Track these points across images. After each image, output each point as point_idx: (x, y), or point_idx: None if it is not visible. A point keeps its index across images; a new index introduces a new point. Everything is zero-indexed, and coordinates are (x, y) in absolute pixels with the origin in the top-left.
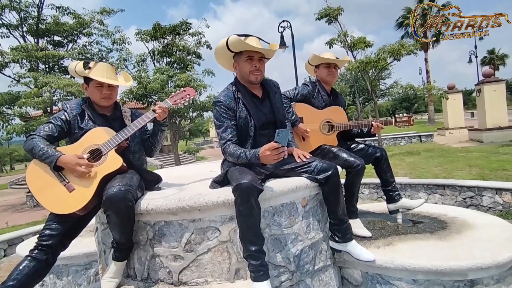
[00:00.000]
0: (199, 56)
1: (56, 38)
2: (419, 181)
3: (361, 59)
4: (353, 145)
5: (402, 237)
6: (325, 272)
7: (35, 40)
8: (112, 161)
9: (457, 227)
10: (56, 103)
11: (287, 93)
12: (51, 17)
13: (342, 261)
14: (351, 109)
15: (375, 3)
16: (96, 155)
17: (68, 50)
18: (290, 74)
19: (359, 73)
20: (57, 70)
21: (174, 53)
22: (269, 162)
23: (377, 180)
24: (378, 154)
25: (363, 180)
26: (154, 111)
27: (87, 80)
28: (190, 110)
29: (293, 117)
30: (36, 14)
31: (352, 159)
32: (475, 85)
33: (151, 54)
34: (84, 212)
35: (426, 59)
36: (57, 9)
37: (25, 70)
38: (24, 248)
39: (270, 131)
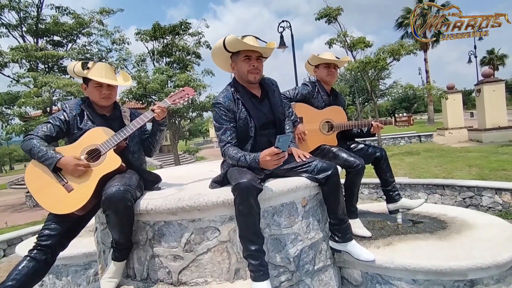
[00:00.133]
0: (198, 56)
1: (56, 38)
2: (418, 181)
3: (361, 59)
4: (353, 145)
5: (402, 237)
6: (325, 272)
7: (35, 40)
8: (111, 161)
9: (457, 227)
10: (56, 103)
11: (287, 93)
12: (51, 17)
13: (342, 261)
14: (351, 109)
15: (375, 3)
16: (94, 155)
17: (67, 50)
18: (289, 74)
19: (359, 73)
20: (57, 70)
21: (174, 53)
22: (269, 167)
23: (377, 180)
24: (378, 154)
25: (363, 180)
26: (153, 110)
27: (86, 80)
28: (190, 110)
29: (292, 117)
30: (35, 14)
31: (352, 159)
32: (475, 85)
33: (151, 54)
34: (83, 212)
35: (425, 59)
36: (56, 9)
37: (25, 70)
38: (24, 248)
39: (270, 131)
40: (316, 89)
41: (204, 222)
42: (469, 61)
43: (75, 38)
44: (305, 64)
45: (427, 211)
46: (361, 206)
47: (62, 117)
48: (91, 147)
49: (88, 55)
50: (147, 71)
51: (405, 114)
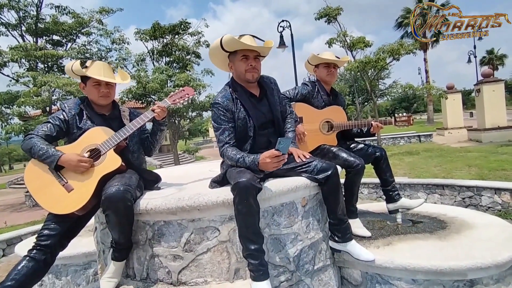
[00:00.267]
0: (198, 56)
1: (55, 37)
2: (418, 181)
3: (361, 59)
4: (352, 145)
5: (402, 237)
6: (324, 272)
7: (34, 39)
8: (111, 161)
9: (456, 227)
10: (55, 103)
11: (287, 93)
12: (50, 17)
13: (342, 261)
14: (351, 109)
15: (375, 3)
16: (94, 154)
17: (67, 49)
18: (289, 74)
19: (359, 73)
20: (56, 70)
21: (174, 52)
22: (268, 169)
23: (377, 180)
24: (377, 153)
25: (363, 180)
26: (153, 110)
27: (85, 79)
28: (190, 109)
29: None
30: (35, 13)
31: (352, 158)
32: (474, 85)
33: (151, 54)
34: (83, 212)
35: (425, 59)
36: (56, 8)
37: (24, 69)
38: (23, 248)
39: (269, 131)
40: (316, 89)
41: (204, 222)
42: (469, 61)
43: (74, 37)
44: (305, 63)
45: (427, 211)
46: (360, 206)
47: (61, 116)
48: (91, 146)
49: (87, 55)
50: (147, 71)
51: (404, 114)
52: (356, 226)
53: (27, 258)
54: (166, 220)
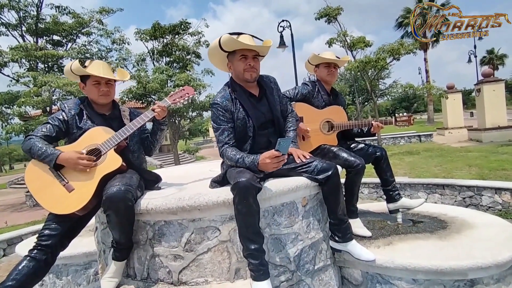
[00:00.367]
0: (198, 56)
1: (55, 37)
2: (418, 181)
3: (361, 59)
4: (353, 145)
5: (402, 236)
6: (325, 272)
7: (34, 39)
8: (112, 161)
9: (457, 226)
10: (55, 103)
11: (287, 92)
12: (50, 17)
13: (342, 261)
14: (351, 108)
15: (375, 3)
16: (95, 154)
17: (67, 49)
18: (289, 74)
19: (359, 73)
20: (56, 70)
21: (174, 52)
22: (268, 169)
23: (377, 180)
24: (378, 153)
25: (363, 180)
26: (153, 110)
27: (84, 79)
28: (190, 109)
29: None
30: (35, 13)
31: (352, 158)
32: (475, 85)
33: (151, 54)
34: (84, 212)
35: (425, 59)
36: (56, 8)
37: (24, 69)
38: (24, 248)
39: (269, 131)
40: (316, 89)
41: (205, 221)
42: (469, 60)
43: (74, 37)
44: (306, 63)
45: (427, 210)
46: (361, 205)
47: (61, 117)
48: (91, 146)
49: (88, 55)
50: (147, 71)
51: (405, 113)
52: (357, 226)
53: (28, 258)
54: (167, 220)
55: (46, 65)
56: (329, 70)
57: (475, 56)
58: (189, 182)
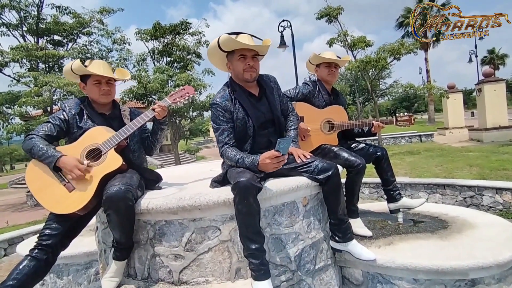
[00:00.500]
0: (199, 56)
1: (56, 37)
2: (419, 181)
3: (361, 59)
4: (353, 145)
5: (403, 236)
6: (326, 272)
7: (35, 39)
8: (112, 161)
9: (458, 226)
10: (56, 103)
11: (288, 92)
12: (51, 17)
13: (343, 261)
14: (351, 108)
15: (375, 3)
16: (95, 154)
17: (68, 49)
18: (290, 74)
19: (359, 73)
20: (57, 70)
21: (174, 52)
22: (268, 170)
23: (378, 180)
24: (379, 153)
25: (364, 180)
26: (153, 110)
27: (84, 78)
28: (190, 109)
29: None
30: (36, 13)
31: (353, 158)
32: (475, 84)
33: (151, 54)
34: (84, 212)
35: (426, 59)
36: (57, 8)
37: (25, 69)
38: (24, 248)
39: (269, 130)
40: (317, 89)
41: (205, 221)
42: (470, 60)
43: (75, 37)
44: (306, 63)
45: (428, 210)
46: (362, 205)
47: (61, 116)
48: (91, 146)
49: (88, 55)
50: (148, 71)
51: (405, 113)
52: (357, 225)
53: (29, 257)
54: (167, 220)
55: (47, 65)
56: (330, 70)
57: (476, 56)
58: (189, 182)
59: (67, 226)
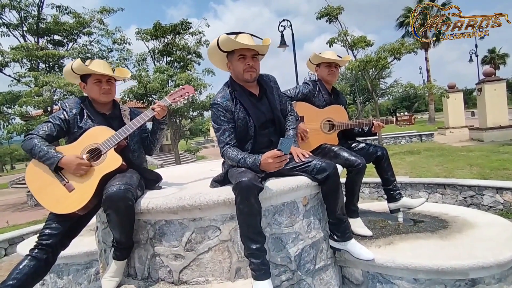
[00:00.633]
0: (199, 55)
1: (56, 37)
2: (419, 180)
3: (362, 58)
4: (354, 144)
5: (403, 236)
6: (326, 271)
7: (35, 39)
8: (112, 160)
9: (458, 226)
10: (56, 103)
11: (288, 92)
12: (51, 16)
13: (343, 260)
14: (352, 108)
15: (376, 3)
16: (95, 154)
17: (68, 49)
18: (290, 73)
19: (360, 72)
20: (58, 70)
21: (174, 52)
22: (270, 169)
23: (378, 179)
24: (379, 153)
25: (364, 179)
26: (153, 109)
27: (85, 78)
28: (191, 109)
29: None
30: (36, 13)
31: (353, 158)
32: (476, 84)
33: (151, 54)
34: (84, 212)
35: (426, 58)
36: (57, 8)
37: (26, 69)
38: (25, 247)
39: (270, 130)
40: (317, 88)
41: (205, 221)
42: (470, 60)
43: (75, 37)
44: (307, 62)
45: (428, 210)
46: (362, 205)
47: (62, 116)
48: (91, 146)
49: (89, 55)
50: (148, 71)
51: (406, 113)
52: (358, 225)
53: (29, 257)
54: (167, 220)
55: (47, 65)
56: (330, 69)
57: (477, 56)
58: (189, 181)
59: (67, 226)
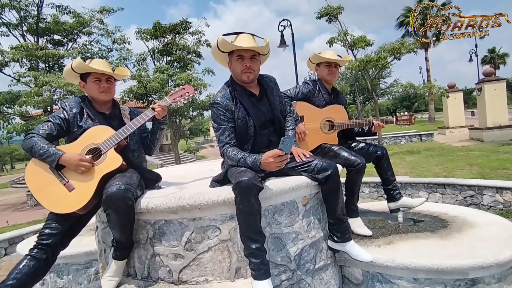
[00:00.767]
0: (199, 55)
1: (56, 37)
2: (419, 180)
3: (362, 58)
4: (353, 144)
5: (403, 236)
6: (325, 271)
7: (35, 39)
8: (112, 160)
9: (458, 226)
10: (56, 102)
11: (288, 92)
12: (51, 16)
13: (343, 260)
14: (352, 108)
15: (376, 2)
16: (95, 154)
17: (68, 49)
18: (290, 73)
19: (359, 72)
20: (57, 69)
21: (174, 52)
22: (271, 169)
23: (378, 179)
24: (379, 152)
25: (364, 179)
26: (153, 109)
27: (84, 77)
28: (190, 109)
29: (294, 115)
30: (36, 13)
31: (353, 157)
32: (476, 84)
33: (151, 53)
34: (84, 211)
35: (426, 58)
36: (56, 8)
37: (25, 69)
38: (25, 247)
39: (270, 130)
40: (317, 88)
41: (205, 221)
42: (470, 59)
43: (75, 37)
44: (307, 61)
45: (428, 210)
46: (362, 205)
47: (62, 115)
48: (91, 145)
49: (88, 54)
50: (148, 70)
51: (406, 113)
52: (357, 225)
53: (29, 257)
54: (167, 219)
55: (47, 65)
56: (330, 69)
57: (476, 55)
58: (189, 181)
59: (67, 226)
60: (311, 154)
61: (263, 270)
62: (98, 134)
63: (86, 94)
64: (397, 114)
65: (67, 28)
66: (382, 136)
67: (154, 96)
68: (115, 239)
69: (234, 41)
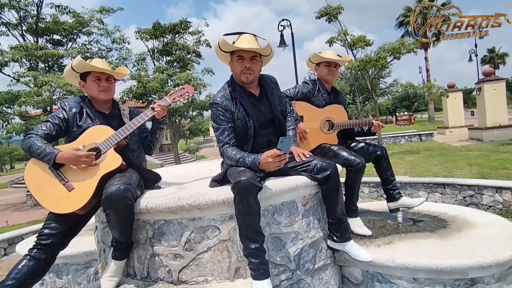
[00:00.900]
0: (198, 55)
1: (56, 37)
2: (419, 180)
3: (361, 58)
4: (353, 144)
5: (403, 235)
6: (325, 271)
7: (35, 39)
8: (111, 160)
9: (457, 225)
10: (56, 102)
11: (288, 91)
12: (51, 16)
13: (343, 260)
14: (351, 108)
15: (375, 2)
16: (95, 154)
17: (67, 49)
18: (290, 73)
19: (359, 72)
20: (57, 69)
21: (174, 52)
22: (270, 169)
23: (377, 179)
24: (378, 152)
25: (363, 179)
26: (153, 109)
27: (84, 76)
28: (190, 109)
29: (294, 115)
30: (35, 13)
31: (353, 157)
32: (475, 83)
33: (151, 53)
34: (84, 211)
35: (426, 58)
36: (56, 7)
37: (25, 69)
38: (24, 247)
39: (269, 130)
40: (317, 88)
41: (204, 221)
42: (470, 59)
43: (75, 37)
44: (307, 61)
45: (428, 209)
46: (361, 205)
47: (61, 115)
48: (91, 145)
49: (88, 54)
50: (147, 70)
51: (406, 113)
52: (357, 225)
53: (28, 257)
54: (167, 219)
55: (46, 65)
56: (330, 69)
57: (476, 55)
58: (189, 181)
59: (66, 226)
60: (311, 154)
61: (263, 270)
62: (97, 133)
63: (86, 94)
64: (397, 114)
65: (66, 28)
66: (382, 136)
67: (153, 96)
68: (114, 239)
69: (236, 41)
